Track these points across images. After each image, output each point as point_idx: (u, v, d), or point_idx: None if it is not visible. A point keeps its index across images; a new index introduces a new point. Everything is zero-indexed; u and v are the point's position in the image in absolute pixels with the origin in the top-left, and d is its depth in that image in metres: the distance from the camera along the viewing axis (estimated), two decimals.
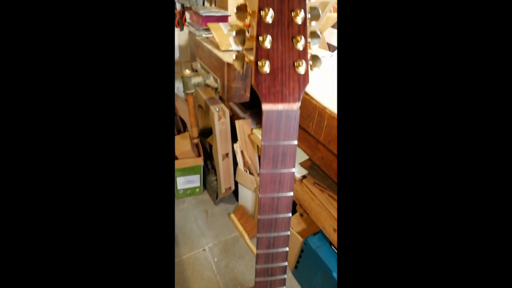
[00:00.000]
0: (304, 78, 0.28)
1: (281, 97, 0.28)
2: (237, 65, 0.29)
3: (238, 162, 1.15)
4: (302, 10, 0.26)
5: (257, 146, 1.12)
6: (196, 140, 1.18)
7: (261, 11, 0.26)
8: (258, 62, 0.27)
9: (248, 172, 1.15)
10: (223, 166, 1.16)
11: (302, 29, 0.27)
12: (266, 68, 0.27)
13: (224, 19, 1.00)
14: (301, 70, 0.28)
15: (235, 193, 1.29)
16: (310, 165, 0.86)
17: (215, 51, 0.88)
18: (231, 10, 1.02)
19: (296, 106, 0.28)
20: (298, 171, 0.89)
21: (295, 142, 0.30)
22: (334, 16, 0.84)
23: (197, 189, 1.35)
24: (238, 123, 1.10)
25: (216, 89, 0.94)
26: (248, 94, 0.88)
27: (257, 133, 1.06)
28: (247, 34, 0.28)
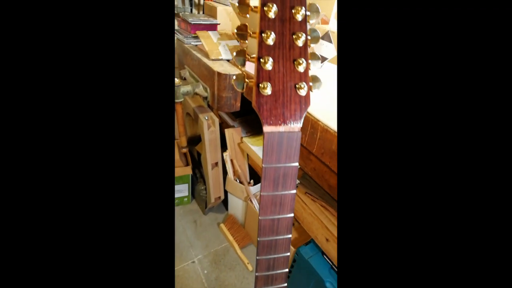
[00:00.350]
0: (306, 100, 0.28)
1: (282, 119, 0.27)
2: (237, 86, 0.29)
3: (228, 171, 1.14)
4: (304, 33, 0.26)
5: (247, 155, 1.11)
6: (184, 150, 1.16)
7: (263, 33, 0.26)
8: (260, 84, 0.26)
9: (238, 181, 1.14)
10: (212, 175, 1.14)
11: (303, 51, 0.27)
12: (268, 90, 0.26)
13: (213, 27, 0.99)
14: (303, 92, 0.27)
15: (225, 202, 1.27)
16: (301, 175, 0.86)
17: (205, 60, 0.87)
18: (220, 18, 1.01)
19: (297, 128, 0.28)
20: None
21: (296, 164, 0.29)
22: (322, 27, 0.86)
23: (185, 199, 1.32)
24: (227, 132, 1.09)
25: (205, 98, 0.93)
26: (238, 104, 0.87)
27: (247, 141, 1.06)
28: (248, 56, 0.27)
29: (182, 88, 0.95)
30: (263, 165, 0.28)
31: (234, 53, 0.27)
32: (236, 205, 1.20)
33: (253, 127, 1.14)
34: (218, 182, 1.17)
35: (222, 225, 1.21)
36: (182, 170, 1.22)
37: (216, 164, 1.13)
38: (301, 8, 0.26)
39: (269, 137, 0.28)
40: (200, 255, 1.11)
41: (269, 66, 0.26)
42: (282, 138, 0.28)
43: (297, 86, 0.27)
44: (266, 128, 0.27)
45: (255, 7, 0.26)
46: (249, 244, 1.17)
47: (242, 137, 1.10)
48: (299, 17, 0.26)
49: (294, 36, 0.26)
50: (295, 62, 0.27)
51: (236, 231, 1.18)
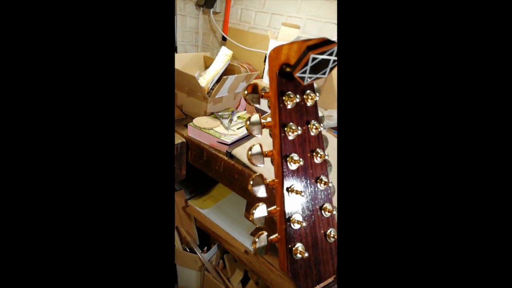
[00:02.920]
0: (336, 245, 0.24)
1: (318, 278, 0.23)
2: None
3: (175, 242, 0.99)
4: (326, 176, 0.23)
5: (194, 218, 0.99)
6: None
7: (288, 189, 0.21)
8: (292, 247, 0.21)
9: (187, 250, 1.00)
10: None
11: (327, 198, 0.24)
12: (302, 252, 0.22)
13: None
14: (332, 238, 0.24)
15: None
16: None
17: None
18: None
19: (332, 277, 0.24)
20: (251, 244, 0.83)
21: None
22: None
23: None
24: None
25: None
26: (184, 172, 0.77)
27: (194, 204, 0.94)
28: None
29: None
30: None
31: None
32: (189, 277, 1.04)
33: (197, 186, 1.04)
34: None
35: None
36: None
37: None
38: (323, 153, 0.22)
39: None
40: None
41: (297, 225, 0.21)
42: None
43: (327, 234, 0.23)
44: None
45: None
46: None
47: (186, 200, 0.98)
48: (319, 160, 0.23)
49: (317, 181, 0.23)
50: (322, 209, 0.23)
51: None
